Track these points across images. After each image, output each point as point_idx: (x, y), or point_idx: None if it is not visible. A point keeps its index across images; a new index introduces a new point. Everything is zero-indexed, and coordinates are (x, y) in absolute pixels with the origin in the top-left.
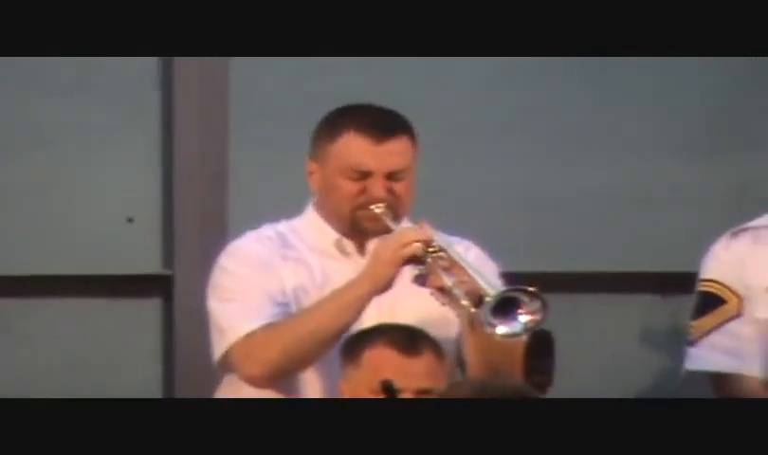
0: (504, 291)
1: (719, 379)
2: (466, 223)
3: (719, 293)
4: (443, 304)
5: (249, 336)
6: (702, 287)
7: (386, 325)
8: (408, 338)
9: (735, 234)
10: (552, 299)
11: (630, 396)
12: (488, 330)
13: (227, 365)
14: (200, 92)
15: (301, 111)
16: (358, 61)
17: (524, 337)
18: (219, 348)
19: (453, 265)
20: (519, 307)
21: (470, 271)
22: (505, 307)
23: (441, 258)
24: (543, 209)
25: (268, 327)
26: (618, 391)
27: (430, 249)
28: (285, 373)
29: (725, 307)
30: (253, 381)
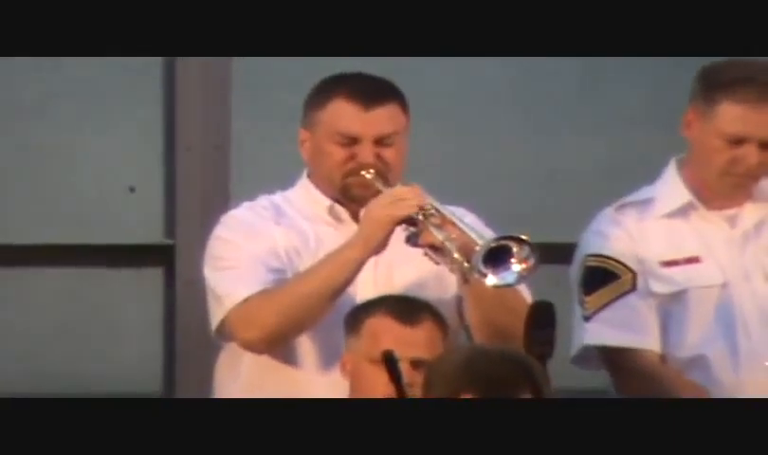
0: (494, 239)
1: (614, 353)
2: (465, 194)
3: (611, 268)
4: (437, 264)
5: (246, 301)
6: (591, 262)
7: (387, 296)
8: (407, 308)
9: (620, 208)
10: (550, 270)
11: None
12: (481, 280)
13: (224, 333)
14: (202, 62)
15: (303, 81)
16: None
17: (527, 295)
18: (216, 316)
19: (445, 222)
20: (511, 257)
21: (461, 225)
22: (498, 258)
23: (432, 215)
24: (543, 180)
25: (264, 292)
26: None
27: (422, 208)
28: (283, 336)
29: (619, 282)
30: (251, 346)
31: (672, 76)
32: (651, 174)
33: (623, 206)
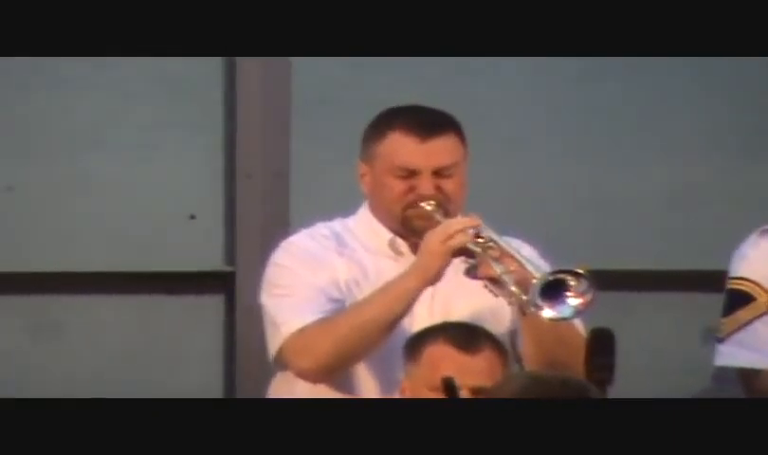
0: (551, 272)
1: (748, 375)
2: (525, 221)
3: (748, 290)
4: (495, 296)
5: (302, 330)
6: (731, 285)
7: (448, 323)
8: (467, 336)
9: (764, 233)
10: (610, 297)
11: (688, 395)
12: (537, 313)
13: (281, 361)
14: (262, 89)
15: (363, 110)
16: (420, 61)
17: (580, 328)
18: (274, 344)
19: (503, 255)
20: (567, 290)
21: (519, 258)
22: (554, 291)
23: (490, 248)
24: (601, 207)
25: (320, 321)
26: (676, 390)
27: (480, 240)
28: (338, 366)
29: (755, 304)
30: (306, 375)
31: (732, 105)
32: (710, 202)
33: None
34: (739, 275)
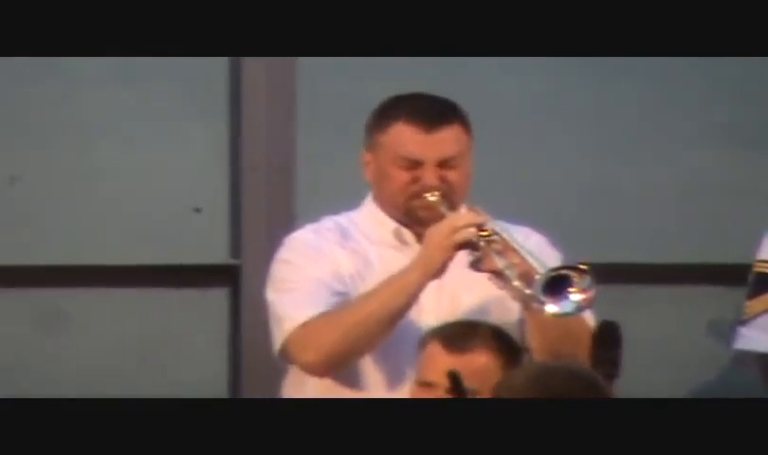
0: (553, 268)
1: (766, 362)
2: (532, 214)
3: None
4: (500, 288)
5: (306, 324)
6: (758, 268)
7: (450, 322)
8: (457, 336)
9: None
10: (617, 290)
11: (695, 388)
12: (540, 309)
13: (286, 356)
14: (268, 82)
15: (369, 102)
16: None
17: (590, 320)
18: (278, 339)
19: (507, 248)
20: (570, 286)
21: (522, 252)
22: (558, 287)
23: (494, 241)
24: (609, 200)
25: (324, 315)
26: (683, 384)
27: (483, 233)
28: (342, 360)
29: None
30: (310, 369)
31: (738, 99)
32: (716, 196)
33: None
34: (765, 258)
